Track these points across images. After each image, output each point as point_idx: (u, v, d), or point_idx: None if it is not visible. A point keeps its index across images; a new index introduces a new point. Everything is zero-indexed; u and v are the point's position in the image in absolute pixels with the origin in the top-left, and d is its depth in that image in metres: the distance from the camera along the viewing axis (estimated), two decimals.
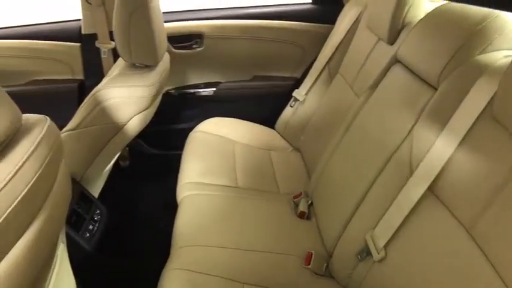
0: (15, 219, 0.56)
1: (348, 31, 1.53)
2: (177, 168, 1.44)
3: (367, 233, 0.93)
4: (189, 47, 1.73)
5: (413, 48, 1.01)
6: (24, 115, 0.68)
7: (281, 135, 1.75)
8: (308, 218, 1.28)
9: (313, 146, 1.51)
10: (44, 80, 1.72)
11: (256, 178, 1.43)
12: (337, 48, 1.56)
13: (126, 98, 1.14)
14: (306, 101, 1.67)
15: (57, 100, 1.65)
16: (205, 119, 1.70)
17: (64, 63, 1.69)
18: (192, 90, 1.84)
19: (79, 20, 1.58)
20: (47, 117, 0.71)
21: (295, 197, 1.34)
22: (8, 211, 0.54)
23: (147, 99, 1.18)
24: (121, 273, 1.38)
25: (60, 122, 1.12)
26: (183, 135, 1.61)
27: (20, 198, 0.57)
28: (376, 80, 1.16)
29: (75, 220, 1.10)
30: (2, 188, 0.54)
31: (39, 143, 0.64)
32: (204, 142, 1.56)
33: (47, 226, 0.67)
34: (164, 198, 1.37)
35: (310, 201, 1.31)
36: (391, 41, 1.18)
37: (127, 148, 1.81)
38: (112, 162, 1.38)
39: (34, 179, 0.60)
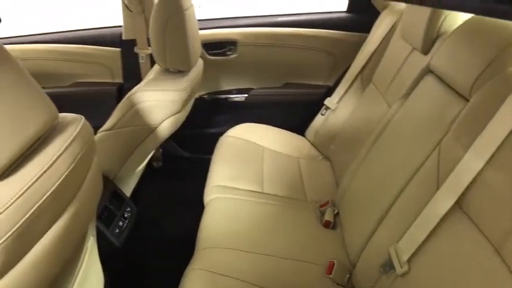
0: (46, 209, 0.60)
1: (383, 40, 1.51)
2: (207, 171, 1.47)
3: (391, 246, 0.91)
4: (223, 54, 1.77)
5: (446, 58, 0.99)
6: (61, 114, 0.73)
7: (311, 143, 1.75)
8: (333, 227, 1.26)
9: (343, 155, 1.49)
10: (87, 82, 1.82)
11: (283, 185, 1.44)
12: (370, 57, 1.54)
13: (159, 102, 1.18)
14: (337, 110, 1.66)
15: (98, 101, 1.74)
16: (237, 124, 1.73)
17: (105, 67, 1.78)
18: (224, 96, 1.87)
19: (120, 26, 1.66)
20: (82, 116, 0.76)
21: (321, 206, 1.34)
22: (41, 201, 0.58)
23: (179, 103, 1.22)
24: (145, 270, 1.42)
25: (99, 122, 1.19)
26: (215, 139, 1.64)
27: (52, 189, 0.61)
28: (408, 90, 1.14)
29: (106, 216, 1.15)
30: (36, 180, 0.58)
31: (73, 140, 0.68)
32: (233, 147, 1.59)
33: (77, 218, 0.71)
34: (192, 200, 1.40)
35: (336, 211, 1.30)
36: (425, 50, 1.15)
37: (160, 150, 1.87)
38: (144, 163, 1.44)
39: (66, 173, 0.65)
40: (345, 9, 1.78)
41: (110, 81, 1.81)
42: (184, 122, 1.53)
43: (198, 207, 1.32)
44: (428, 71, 1.08)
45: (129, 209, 1.25)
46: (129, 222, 1.22)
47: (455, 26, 1.05)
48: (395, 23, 1.48)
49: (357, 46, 1.63)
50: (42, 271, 0.63)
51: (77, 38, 1.73)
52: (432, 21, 1.11)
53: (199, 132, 1.91)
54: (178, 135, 1.82)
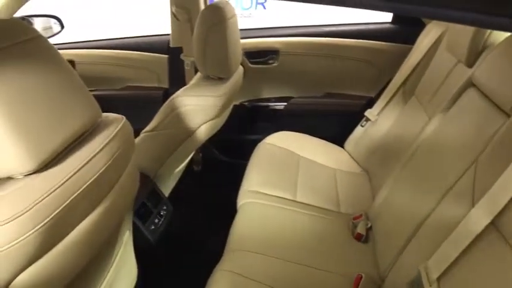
0: (83, 200, 0.66)
1: (427, 52, 1.47)
2: (243, 177, 1.50)
3: (421, 263, 0.89)
4: (265, 62, 1.81)
5: (489, 72, 0.95)
6: (105, 114, 0.79)
7: (350, 155, 1.73)
8: (365, 241, 1.24)
9: (381, 168, 1.46)
10: (136, 86, 1.94)
11: (317, 195, 1.43)
12: (414, 69, 1.51)
13: (198, 106, 1.23)
14: (377, 122, 1.63)
15: (145, 105, 1.84)
16: (275, 132, 1.75)
17: (153, 73, 1.88)
18: (264, 104, 1.90)
19: (168, 34, 1.75)
20: (123, 117, 0.82)
21: (355, 218, 1.32)
22: (78, 192, 0.64)
23: (217, 109, 1.26)
24: (176, 267, 1.47)
25: (145, 124, 1.26)
26: (253, 145, 1.67)
27: (89, 182, 0.66)
28: (449, 103, 1.10)
29: (143, 213, 1.21)
30: (75, 173, 0.64)
31: (112, 138, 0.74)
32: (270, 154, 1.61)
33: (111, 210, 0.77)
34: (226, 203, 1.43)
35: (369, 225, 1.27)
36: (470, 63, 1.11)
37: (200, 154, 1.93)
38: (183, 165, 1.49)
39: (103, 168, 0.70)
40: (390, 20, 1.76)
41: (156, 85, 1.91)
42: (224, 127, 1.58)
43: (231, 211, 1.35)
44: (470, 84, 1.04)
45: (165, 208, 1.31)
46: (165, 220, 1.28)
47: (501, 39, 1.00)
48: (441, 35, 1.44)
49: (401, 57, 1.60)
50: (74, 257, 0.68)
51: (128, 44, 1.85)
52: (478, 34, 1.07)
53: (239, 138, 1.96)
54: (218, 141, 1.88)
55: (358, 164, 1.67)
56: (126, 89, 1.95)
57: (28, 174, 0.60)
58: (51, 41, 1.72)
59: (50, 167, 0.62)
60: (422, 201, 0.99)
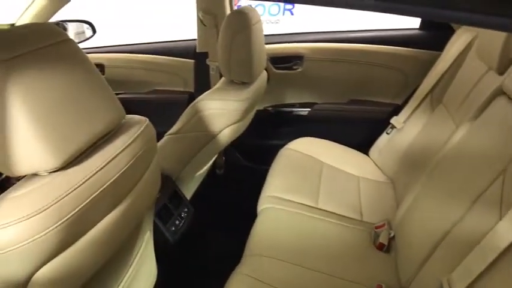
0: (105, 197, 0.68)
1: (456, 58, 1.43)
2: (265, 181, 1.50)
3: (444, 276, 0.86)
4: (289, 68, 1.80)
5: None
6: (128, 116, 0.82)
7: (374, 163, 1.69)
8: (387, 251, 1.21)
9: (407, 176, 1.43)
10: (162, 90, 1.98)
11: (339, 202, 1.41)
12: (442, 76, 1.46)
13: (221, 110, 1.24)
14: (403, 129, 1.59)
15: (170, 108, 1.87)
16: (298, 137, 1.74)
17: (179, 77, 1.92)
18: (288, 109, 1.90)
19: (195, 40, 1.79)
20: (146, 119, 0.84)
21: (377, 227, 1.29)
22: (100, 190, 0.66)
23: (239, 113, 1.27)
24: (195, 269, 1.49)
25: (170, 127, 1.29)
26: (276, 151, 1.67)
27: (111, 181, 0.68)
28: (477, 111, 1.07)
29: (164, 214, 1.23)
30: (97, 171, 0.66)
31: (135, 139, 0.76)
32: (292, 159, 1.60)
33: (132, 209, 0.78)
34: (248, 207, 1.44)
35: (392, 234, 1.24)
36: (501, 70, 1.07)
37: (223, 158, 1.95)
38: (205, 168, 1.51)
39: (125, 168, 0.72)
40: (417, 26, 1.72)
41: (182, 90, 1.94)
42: (247, 132, 1.58)
43: (252, 215, 1.35)
44: (501, 92, 1.00)
45: (186, 210, 1.32)
46: (185, 222, 1.29)
47: None
48: (471, 41, 1.39)
49: (429, 64, 1.56)
50: (94, 254, 0.70)
51: (156, 49, 1.90)
52: (510, 40, 1.03)
53: (262, 143, 1.96)
54: (241, 145, 1.89)
55: (383, 172, 1.64)
56: (153, 92, 1.99)
57: (52, 172, 0.62)
58: (84, 44, 1.79)
59: (74, 165, 0.64)
60: (447, 211, 0.96)
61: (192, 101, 1.30)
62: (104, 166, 0.67)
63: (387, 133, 1.66)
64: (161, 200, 1.23)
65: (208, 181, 1.70)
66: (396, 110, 1.69)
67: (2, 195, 0.60)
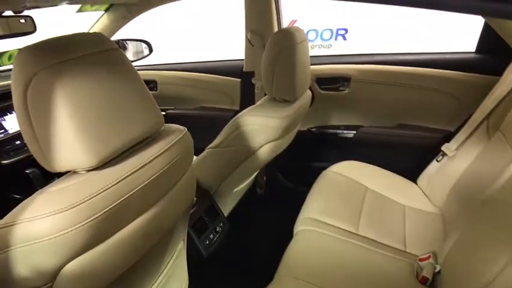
0: (137, 199, 0.69)
1: None
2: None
3: None
4: (335, 89, 1.78)
5: None
6: (169, 124, 0.84)
7: (422, 191, 1.60)
8: (431, 286, 1.12)
9: (457, 207, 1.33)
10: (209, 107, 2.04)
11: (381, 230, 1.34)
12: (500, 102, 1.36)
13: (261, 126, 1.25)
14: (455, 157, 1.49)
15: (216, 125, 1.91)
16: (342, 160, 1.69)
17: (226, 95, 1.97)
18: (332, 131, 1.86)
19: (242, 60, 1.83)
20: (185, 128, 0.86)
21: (421, 260, 1.20)
22: (133, 191, 0.67)
23: (279, 130, 1.27)
24: (225, 285, 1.46)
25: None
26: (319, 173, 1.63)
27: (144, 184, 0.70)
28: None
29: (199, 226, 1.23)
30: (132, 173, 0.68)
31: (172, 145, 0.77)
32: (334, 182, 1.55)
33: (163, 214, 0.79)
34: (285, 228, 1.41)
35: (438, 269, 1.15)
36: None
37: (265, 177, 1.94)
38: (243, 185, 1.51)
39: (160, 172, 0.73)
40: (473, 50, 1.63)
41: (228, 107, 1.99)
42: (290, 153, 1.57)
43: (288, 236, 1.32)
44: None
45: (221, 225, 1.32)
46: (220, 237, 1.29)
47: None
48: None
49: (484, 89, 1.46)
50: (122, 255, 0.71)
51: (205, 68, 1.97)
52: None
53: (304, 164, 1.93)
54: (283, 165, 1.87)
55: (431, 202, 1.54)
56: (200, 109, 2.06)
57: (90, 170, 0.65)
58: (140, 62, 1.90)
59: (111, 165, 0.67)
60: (500, 249, 0.87)
61: None
62: (139, 169, 0.69)
63: (437, 160, 1.56)
64: (197, 213, 1.25)
65: (248, 200, 1.69)
66: (447, 137, 1.60)
67: (43, 188, 0.64)
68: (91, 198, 0.61)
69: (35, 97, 0.60)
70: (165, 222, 0.84)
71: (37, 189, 0.64)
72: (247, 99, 1.86)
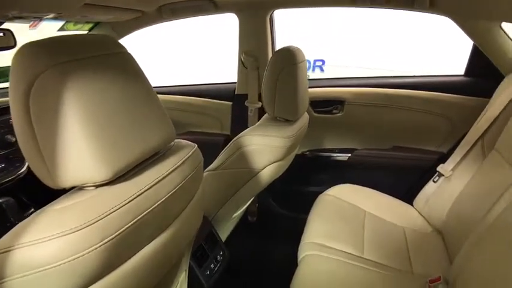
0: (152, 219, 0.62)
1: (508, 104, 1.37)
2: (301, 231, 1.41)
3: None
4: (329, 112, 1.78)
5: None
6: (178, 140, 0.78)
7: (419, 213, 1.58)
8: None
9: (458, 227, 1.31)
10: (197, 131, 1.97)
11: (386, 253, 1.30)
12: (493, 122, 1.39)
13: (263, 146, 1.20)
14: (452, 178, 1.50)
15: (205, 150, 1.85)
16: (337, 184, 1.66)
17: (216, 119, 1.91)
18: (326, 154, 1.84)
19: (233, 83, 1.80)
20: (195, 144, 0.80)
21: (431, 281, 1.16)
22: (149, 209, 0.60)
23: (282, 150, 1.23)
24: None
25: (204, 169, 1.24)
26: (312, 198, 1.59)
27: (161, 201, 0.63)
28: None
29: (200, 255, 1.15)
30: (148, 189, 0.61)
31: (185, 161, 0.71)
32: (333, 206, 1.51)
33: (175, 239, 0.72)
34: (282, 258, 1.34)
35: None
36: None
37: (256, 204, 1.87)
38: (241, 210, 1.44)
39: (176, 188, 0.67)
40: (463, 72, 1.68)
41: (219, 132, 1.93)
42: (282, 177, 1.52)
43: (287, 263, 1.26)
44: None
45: (221, 253, 1.24)
46: (220, 266, 1.20)
47: None
48: None
49: (475, 111, 1.49)
50: (136, 284, 0.63)
51: (193, 91, 1.92)
52: None
53: (298, 189, 1.88)
54: (275, 191, 1.81)
55: (429, 223, 1.52)
56: (188, 134, 1.99)
57: (99, 186, 0.57)
58: None
59: (123, 181, 0.59)
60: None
61: (228, 143, 1.27)
62: (154, 184, 0.62)
63: (434, 181, 1.56)
64: (197, 241, 1.16)
65: (240, 228, 1.61)
66: (441, 158, 1.61)
67: (44, 207, 0.55)
68: (106, 216, 0.53)
69: (39, 100, 0.52)
70: (177, 248, 0.76)
71: (12, 222, 0.55)
72: (239, 123, 1.81)
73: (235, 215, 1.39)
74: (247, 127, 1.75)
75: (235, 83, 1.80)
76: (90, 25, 1.69)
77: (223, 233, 1.40)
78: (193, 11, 1.62)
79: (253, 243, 1.76)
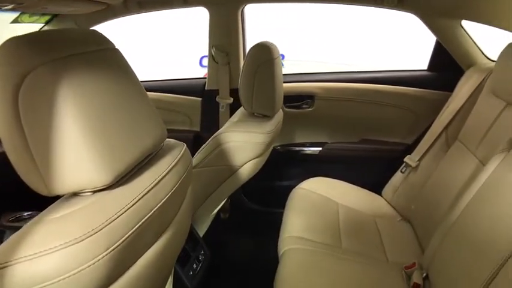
0: (152, 223, 0.59)
1: (469, 97, 1.46)
2: (276, 225, 1.41)
3: None
4: (300, 107, 1.79)
5: None
6: (166, 140, 0.75)
7: (388, 202, 1.65)
8: None
9: (427, 216, 1.38)
10: (167, 129, 1.90)
11: (362, 243, 1.34)
12: (456, 114, 1.48)
13: (244, 143, 1.19)
14: (419, 168, 1.57)
15: None
16: (308, 177, 1.68)
17: (185, 115, 1.86)
18: (297, 148, 1.86)
19: (203, 78, 1.77)
20: (184, 144, 0.77)
21: (407, 268, 1.21)
22: (150, 212, 0.57)
23: (262, 146, 1.22)
24: None
25: None
26: (285, 192, 1.60)
27: (159, 205, 0.60)
28: (508, 144, 1.05)
29: (182, 256, 1.12)
30: (146, 193, 0.58)
31: (178, 161, 0.69)
32: (307, 199, 1.53)
33: (172, 242, 0.69)
34: (261, 252, 1.34)
35: (425, 274, 1.17)
36: None
37: (229, 200, 1.85)
38: (218, 208, 1.42)
39: (173, 189, 0.64)
40: (426, 67, 1.77)
41: (188, 129, 1.88)
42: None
43: (271, 258, 1.26)
44: None
45: (202, 252, 1.21)
46: (203, 266, 1.18)
47: None
48: (483, 80, 1.43)
49: (438, 104, 1.58)
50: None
51: (160, 86, 1.85)
52: None
53: (270, 184, 1.89)
54: (247, 187, 1.80)
55: (398, 212, 1.59)
56: None
57: (97, 191, 0.54)
58: None
59: (120, 185, 0.56)
60: (489, 253, 0.89)
61: (198, 140, 1.25)
62: (153, 187, 0.59)
63: (402, 172, 1.63)
64: None
65: (213, 226, 1.59)
66: (407, 150, 1.69)
67: (37, 217, 0.51)
68: (109, 224, 0.50)
69: (29, 100, 0.47)
70: (173, 253, 0.73)
71: None
72: (209, 119, 1.78)
73: (213, 213, 1.37)
74: (217, 123, 1.73)
75: (205, 78, 1.76)
76: (47, 17, 1.58)
77: (201, 232, 1.37)
78: (161, 4, 1.57)
79: (229, 241, 1.74)
